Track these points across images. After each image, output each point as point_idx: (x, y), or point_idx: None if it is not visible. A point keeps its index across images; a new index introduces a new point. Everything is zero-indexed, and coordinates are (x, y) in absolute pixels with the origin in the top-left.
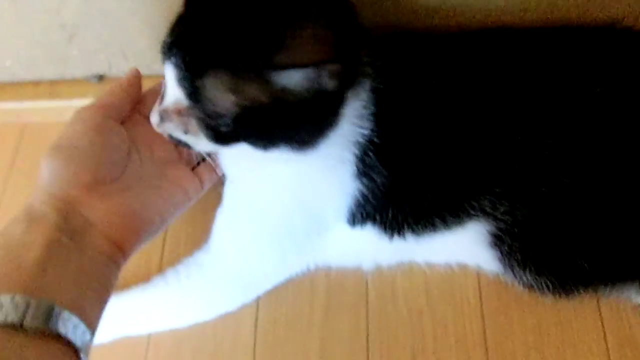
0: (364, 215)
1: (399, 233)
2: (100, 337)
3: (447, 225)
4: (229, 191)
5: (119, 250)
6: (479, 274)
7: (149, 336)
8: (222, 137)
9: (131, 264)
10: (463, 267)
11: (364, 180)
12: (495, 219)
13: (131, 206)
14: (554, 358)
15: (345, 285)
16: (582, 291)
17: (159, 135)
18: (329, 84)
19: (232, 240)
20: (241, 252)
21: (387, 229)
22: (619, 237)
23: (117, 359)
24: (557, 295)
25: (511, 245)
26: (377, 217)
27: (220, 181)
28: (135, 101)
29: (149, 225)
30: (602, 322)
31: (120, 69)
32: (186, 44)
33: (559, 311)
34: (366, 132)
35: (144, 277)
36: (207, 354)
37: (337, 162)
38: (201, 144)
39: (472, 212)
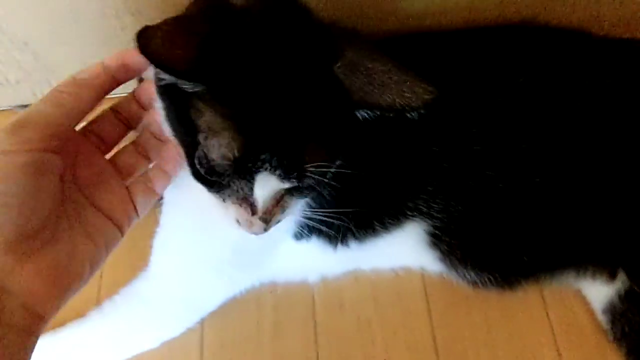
0: (311, 228)
1: (342, 242)
2: None
3: (387, 229)
4: (169, 212)
5: (40, 320)
6: (424, 277)
7: None
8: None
9: None
10: (408, 271)
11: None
12: (431, 217)
13: (57, 262)
14: (504, 352)
15: (292, 301)
16: (524, 283)
17: (80, 146)
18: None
19: (173, 262)
20: (183, 275)
21: (332, 239)
22: (552, 227)
23: None
24: (502, 289)
25: (449, 243)
26: (323, 229)
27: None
28: (87, 110)
29: (77, 280)
30: (547, 312)
31: None
32: (281, 147)
33: (505, 306)
34: None
35: (80, 311)
36: None
37: None
38: (296, 208)
39: (409, 212)
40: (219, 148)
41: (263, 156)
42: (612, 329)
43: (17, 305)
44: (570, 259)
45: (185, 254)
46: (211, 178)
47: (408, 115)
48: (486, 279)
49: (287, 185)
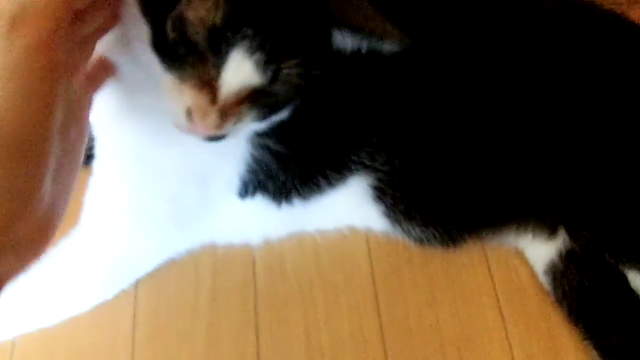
0: (256, 183)
1: (287, 199)
2: None
3: (331, 184)
4: (104, 156)
5: None
6: (368, 238)
7: (14, 342)
8: (276, 108)
9: None
10: (353, 233)
11: (256, 144)
12: (375, 170)
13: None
14: (446, 314)
15: (232, 264)
16: (467, 238)
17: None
18: None
19: (104, 215)
20: (115, 229)
21: (276, 196)
22: (492, 181)
23: None
24: (445, 246)
25: (394, 196)
26: (268, 186)
27: None
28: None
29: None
30: (490, 273)
31: None
32: (266, 28)
33: (449, 267)
34: None
35: None
36: (84, 353)
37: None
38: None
39: (353, 166)
40: (199, 10)
41: (245, 29)
42: (553, 289)
43: None
44: (510, 214)
45: (119, 204)
46: (177, 49)
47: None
48: (430, 234)
49: (258, 79)
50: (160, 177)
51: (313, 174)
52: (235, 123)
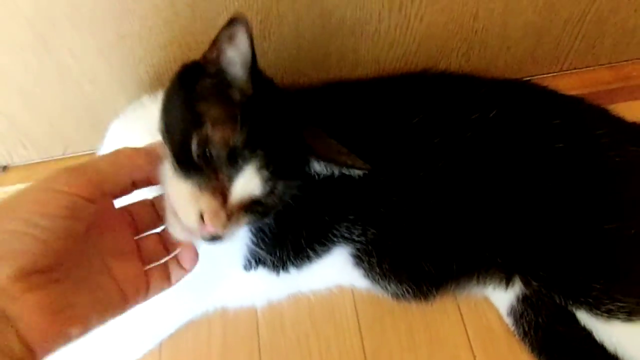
0: (257, 259)
1: (283, 269)
2: None
3: (318, 255)
4: None
5: (30, 354)
6: (354, 293)
7: None
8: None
9: None
10: (341, 290)
11: (254, 227)
12: (353, 241)
13: (59, 302)
14: (424, 356)
15: (239, 322)
16: (435, 292)
17: (114, 219)
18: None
19: None
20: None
21: (274, 267)
22: (450, 242)
23: None
24: (419, 300)
25: (370, 260)
26: (267, 260)
27: None
28: (131, 182)
29: (74, 325)
30: (462, 318)
31: (21, 157)
32: (272, 151)
33: (426, 314)
34: None
35: None
36: None
37: None
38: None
39: (335, 239)
40: (224, 133)
41: (259, 151)
42: (516, 329)
43: (13, 333)
44: (469, 269)
45: None
46: (198, 163)
47: (348, 172)
48: (404, 291)
49: (260, 191)
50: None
51: (303, 248)
52: (234, 226)
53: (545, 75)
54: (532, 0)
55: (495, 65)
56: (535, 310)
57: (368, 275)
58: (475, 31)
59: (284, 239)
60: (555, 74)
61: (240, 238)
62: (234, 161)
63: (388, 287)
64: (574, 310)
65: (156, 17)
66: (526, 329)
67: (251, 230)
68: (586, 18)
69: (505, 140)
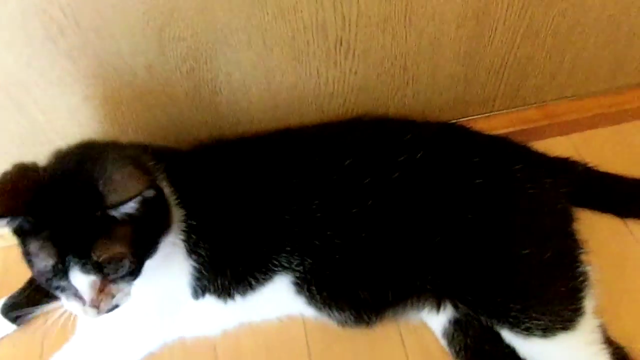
0: (202, 287)
1: (229, 297)
2: None
3: (260, 283)
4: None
5: None
6: (304, 322)
7: None
8: (135, 271)
9: None
10: (292, 318)
11: (194, 256)
12: (293, 270)
13: None
14: None
15: (198, 353)
16: (375, 319)
17: None
18: (150, 193)
19: (100, 332)
20: (108, 339)
21: (221, 295)
22: (384, 272)
23: None
24: (362, 326)
25: (309, 288)
26: (212, 287)
27: None
28: None
29: None
30: (403, 342)
31: None
32: (75, 252)
33: (370, 339)
34: (183, 216)
35: None
36: None
37: (172, 249)
38: (127, 292)
39: (275, 268)
40: (43, 261)
41: (68, 257)
42: (450, 349)
43: None
44: (403, 295)
45: (111, 325)
46: (53, 287)
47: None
48: (346, 318)
49: (92, 276)
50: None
51: (244, 276)
52: (114, 297)
53: (477, 117)
54: (454, 52)
55: (430, 108)
56: (465, 332)
57: (311, 303)
58: (407, 81)
59: (222, 268)
60: (487, 114)
61: (183, 269)
62: (61, 275)
63: (331, 315)
64: (498, 329)
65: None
66: (457, 349)
67: (191, 261)
68: (506, 65)
69: (430, 178)
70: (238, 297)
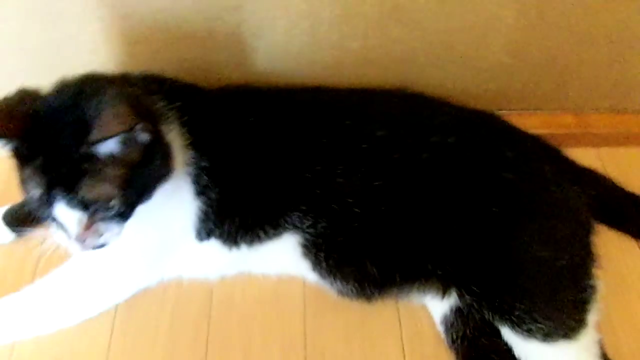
0: (208, 230)
1: (235, 244)
2: None
3: (268, 236)
4: None
5: None
6: (305, 285)
7: (13, 345)
8: (125, 213)
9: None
10: (294, 279)
11: (202, 198)
12: (303, 231)
13: None
14: (357, 351)
15: (192, 295)
16: (377, 296)
17: None
18: (144, 137)
19: (103, 256)
20: (109, 262)
21: (226, 241)
22: (395, 249)
23: None
24: (362, 300)
25: (317, 254)
26: (217, 231)
27: None
28: None
29: None
30: (400, 321)
31: None
32: (59, 188)
33: (366, 314)
34: (193, 157)
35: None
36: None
37: (178, 187)
38: (116, 232)
39: (286, 225)
40: (33, 188)
41: (55, 191)
42: (446, 337)
43: None
44: (411, 277)
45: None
46: (42, 215)
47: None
48: (349, 290)
49: (78, 213)
50: (138, 238)
51: (253, 227)
52: (102, 235)
53: (513, 111)
54: (507, 40)
55: (469, 94)
56: (464, 322)
57: (315, 268)
58: (453, 60)
59: (231, 214)
60: (522, 111)
61: (189, 210)
62: (48, 205)
63: (334, 284)
64: (498, 326)
65: None
66: (454, 337)
67: (199, 203)
68: (554, 65)
69: (459, 165)
70: (244, 247)
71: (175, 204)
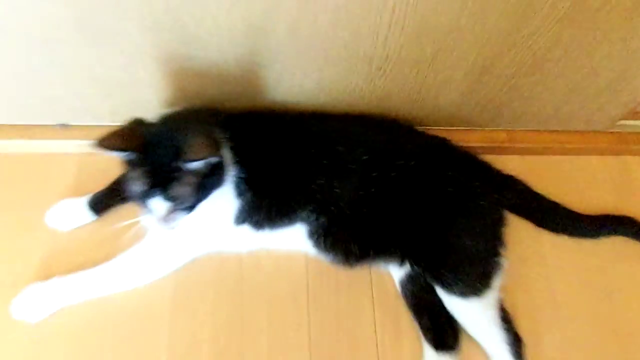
0: (243, 218)
1: (261, 228)
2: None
3: (285, 225)
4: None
5: None
6: (307, 258)
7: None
8: (193, 207)
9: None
10: (299, 253)
11: (241, 198)
12: (309, 223)
13: None
14: (344, 300)
15: (228, 262)
16: (357, 264)
17: None
18: (214, 160)
19: (172, 235)
20: (168, 243)
21: (255, 226)
22: (371, 237)
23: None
24: (347, 267)
25: (318, 238)
26: (250, 220)
27: None
28: None
29: None
30: (371, 282)
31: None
32: (158, 188)
33: (350, 277)
34: (235, 172)
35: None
36: (133, 314)
37: (226, 191)
38: (185, 218)
39: (297, 218)
40: (137, 186)
41: (154, 189)
42: (402, 293)
43: None
44: (381, 253)
45: (180, 231)
46: (137, 202)
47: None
48: (338, 260)
49: (165, 205)
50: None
51: (274, 218)
52: (176, 220)
53: (461, 129)
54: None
55: (432, 116)
56: (414, 283)
57: (315, 246)
58: (419, 89)
59: (259, 210)
60: (468, 128)
61: (232, 206)
62: (148, 197)
63: (327, 256)
64: (434, 286)
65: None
66: (407, 294)
67: (238, 201)
68: (501, 92)
69: (417, 181)
70: (267, 230)
71: (222, 202)
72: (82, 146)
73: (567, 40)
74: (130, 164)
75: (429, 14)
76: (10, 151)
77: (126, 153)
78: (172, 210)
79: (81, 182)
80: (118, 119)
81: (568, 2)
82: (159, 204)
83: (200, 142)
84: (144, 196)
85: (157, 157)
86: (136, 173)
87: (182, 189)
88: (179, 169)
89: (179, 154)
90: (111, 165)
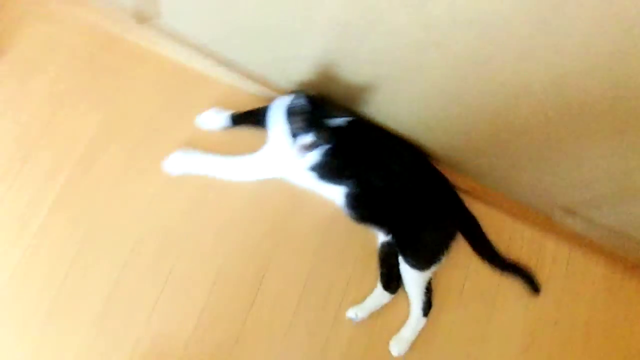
0: (315, 167)
1: (319, 177)
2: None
3: (335, 183)
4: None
5: None
6: (334, 207)
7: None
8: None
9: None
10: (332, 202)
11: (321, 156)
12: (346, 188)
13: None
14: (325, 263)
15: (278, 189)
16: (362, 223)
17: None
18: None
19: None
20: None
21: (315, 174)
22: (377, 208)
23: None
24: (354, 222)
25: (349, 200)
26: (318, 170)
27: None
28: None
29: None
30: (364, 239)
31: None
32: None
33: (352, 229)
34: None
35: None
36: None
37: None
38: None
39: (342, 183)
40: (299, 127)
41: (307, 130)
42: (378, 252)
43: None
44: (378, 224)
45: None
46: (292, 135)
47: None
48: (352, 216)
49: (309, 139)
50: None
51: (332, 177)
52: (307, 152)
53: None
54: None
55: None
56: (388, 248)
57: (344, 202)
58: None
59: (327, 168)
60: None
61: (315, 157)
62: (301, 133)
63: (347, 211)
64: (399, 254)
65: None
66: (382, 256)
67: (320, 157)
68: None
69: (415, 192)
70: (322, 180)
71: (312, 154)
72: (238, 81)
73: None
74: (296, 114)
75: None
76: (204, 73)
77: (305, 103)
78: (308, 147)
79: (229, 104)
80: (266, 70)
81: None
82: (305, 138)
83: (334, 112)
84: (299, 132)
85: (314, 117)
86: (300, 121)
87: (320, 135)
88: (325, 124)
89: (327, 116)
90: (253, 101)
